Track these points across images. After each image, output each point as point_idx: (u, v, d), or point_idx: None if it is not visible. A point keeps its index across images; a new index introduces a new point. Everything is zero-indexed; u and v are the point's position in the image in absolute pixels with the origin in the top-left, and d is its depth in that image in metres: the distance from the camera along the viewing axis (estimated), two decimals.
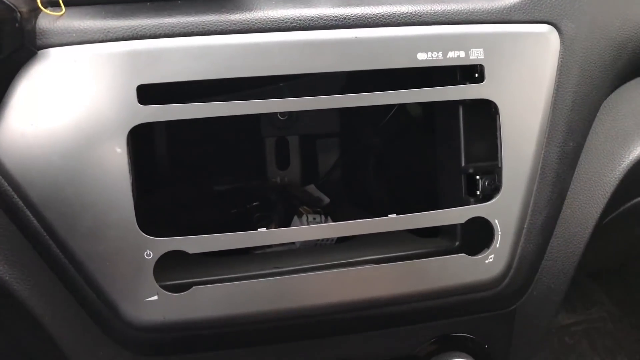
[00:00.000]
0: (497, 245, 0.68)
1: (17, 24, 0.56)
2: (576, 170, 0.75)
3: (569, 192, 0.75)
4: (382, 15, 0.65)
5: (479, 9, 0.67)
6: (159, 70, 0.59)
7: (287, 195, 0.97)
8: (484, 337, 0.78)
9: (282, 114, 0.99)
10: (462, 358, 0.76)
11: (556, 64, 0.69)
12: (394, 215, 0.66)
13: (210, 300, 0.63)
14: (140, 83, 0.59)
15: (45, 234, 0.60)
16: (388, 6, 0.65)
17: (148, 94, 0.60)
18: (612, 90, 0.78)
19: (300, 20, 0.63)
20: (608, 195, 0.76)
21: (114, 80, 0.59)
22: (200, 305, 0.62)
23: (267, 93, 0.69)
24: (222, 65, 0.60)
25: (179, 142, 0.99)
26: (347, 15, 0.64)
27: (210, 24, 0.61)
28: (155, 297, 0.61)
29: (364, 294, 0.67)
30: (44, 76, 0.58)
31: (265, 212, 0.89)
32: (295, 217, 0.86)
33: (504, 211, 0.68)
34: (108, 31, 0.59)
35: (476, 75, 0.67)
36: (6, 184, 0.58)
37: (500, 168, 0.68)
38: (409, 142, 0.93)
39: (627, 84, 0.81)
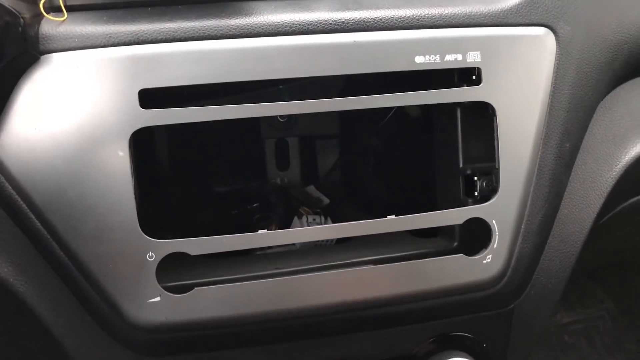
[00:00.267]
0: (495, 246, 0.69)
1: (20, 30, 0.56)
2: (573, 170, 0.75)
3: (565, 193, 0.75)
4: (380, 19, 0.65)
5: (476, 12, 0.68)
6: (160, 75, 0.60)
7: (287, 196, 0.97)
8: (482, 336, 0.79)
9: (282, 116, 0.99)
10: (460, 357, 0.76)
11: (552, 66, 0.69)
12: (393, 216, 0.66)
13: (212, 301, 0.63)
14: (142, 87, 0.59)
15: (48, 237, 0.60)
16: (386, 10, 0.66)
17: (149, 97, 0.60)
18: (608, 92, 0.79)
19: (299, 24, 0.63)
20: (604, 195, 0.76)
21: (116, 84, 0.59)
22: (202, 306, 0.63)
23: (267, 95, 0.70)
24: (222, 69, 0.61)
25: (180, 144, 1.00)
26: (345, 20, 0.64)
27: (211, 29, 0.62)
28: (158, 299, 0.62)
29: (363, 294, 0.67)
30: (46, 81, 0.59)
31: (265, 213, 0.89)
32: (296, 218, 0.87)
33: (501, 212, 0.69)
34: (110, 36, 0.60)
35: (473, 77, 0.67)
36: (10, 187, 0.59)
37: (498, 169, 0.68)
38: (407, 143, 0.94)
39: (623, 85, 0.81)
